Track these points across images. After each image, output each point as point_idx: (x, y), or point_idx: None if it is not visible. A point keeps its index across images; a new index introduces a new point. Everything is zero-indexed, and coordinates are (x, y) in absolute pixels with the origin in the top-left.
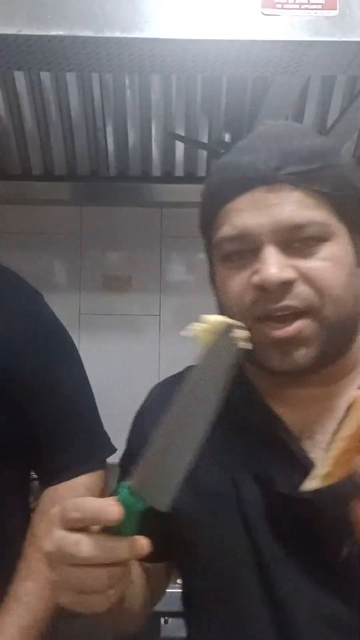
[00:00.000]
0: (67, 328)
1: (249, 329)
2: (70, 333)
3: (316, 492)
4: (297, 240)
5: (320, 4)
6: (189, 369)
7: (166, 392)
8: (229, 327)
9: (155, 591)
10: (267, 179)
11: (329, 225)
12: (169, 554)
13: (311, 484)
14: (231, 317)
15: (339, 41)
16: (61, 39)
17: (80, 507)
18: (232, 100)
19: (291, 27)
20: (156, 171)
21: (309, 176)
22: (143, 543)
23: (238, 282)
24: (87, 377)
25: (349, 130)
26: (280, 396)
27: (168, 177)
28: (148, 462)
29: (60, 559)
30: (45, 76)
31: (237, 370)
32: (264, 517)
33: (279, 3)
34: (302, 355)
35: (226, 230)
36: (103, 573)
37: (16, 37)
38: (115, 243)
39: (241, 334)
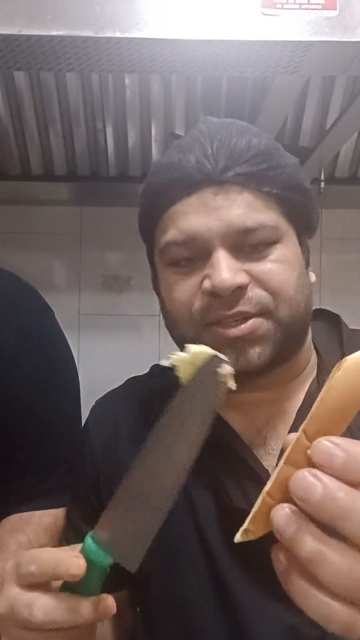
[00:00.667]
0: (67, 328)
1: (199, 335)
2: (70, 333)
3: None
4: (247, 244)
5: (320, 4)
6: (131, 380)
7: (109, 410)
8: (214, 361)
9: (124, 623)
10: (215, 180)
11: (278, 228)
12: (129, 579)
13: (237, 537)
14: (178, 324)
15: (339, 41)
16: (61, 39)
17: (36, 560)
18: (231, 101)
19: (291, 27)
20: None
21: (257, 177)
22: (109, 603)
23: (186, 288)
24: (79, 411)
25: (348, 130)
26: (228, 402)
27: None
28: (118, 512)
29: (12, 622)
30: (45, 76)
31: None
32: (220, 531)
33: (278, 3)
34: (257, 354)
35: (172, 234)
36: (61, 638)
37: (16, 37)
38: (115, 243)
39: (226, 369)
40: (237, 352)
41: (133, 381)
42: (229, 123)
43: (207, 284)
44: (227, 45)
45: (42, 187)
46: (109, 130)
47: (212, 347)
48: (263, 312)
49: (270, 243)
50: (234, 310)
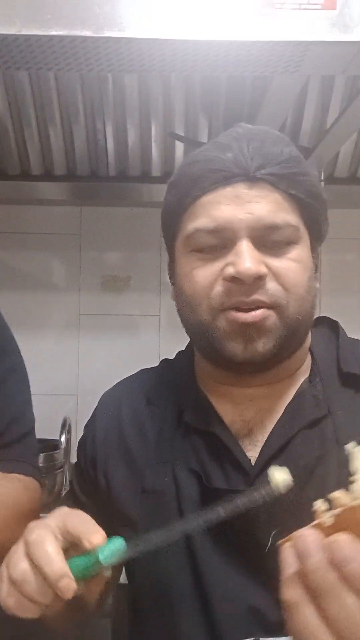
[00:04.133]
0: (66, 328)
1: (215, 319)
2: (70, 333)
3: (249, 485)
4: (270, 240)
5: (319, 4)
6: (141, 371)
7: (115, 397)
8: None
9: (112, 581)
10: (250, 176)
11: (299, 229)
12: None
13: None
14: (196, 308)
15: (338, 41)
16: (60, 38)
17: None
18: (231, 100)
19: (290, 27)
20: (155, 171)
21: (287, 179)
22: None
23: (207, 274)
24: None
25: (348, 130)
26: (225, 395)
27: (167, 177)
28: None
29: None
30: (44, 76)
31: (185, 370)
32: (198, 510)
33: (278, 3)
34: (262, 344)
35: (203, 221)
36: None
37: (15, 37)
38: (115, 243)
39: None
40: (245, 339)
41: (143, 371)
42: (265, 130)
43: (230, 270)
44: (226, 45)
45: (42, 187)
46: (109, 130)
47: (226, 333)
48: (275, 306)
49: (290, 242)
50: (251, 298)
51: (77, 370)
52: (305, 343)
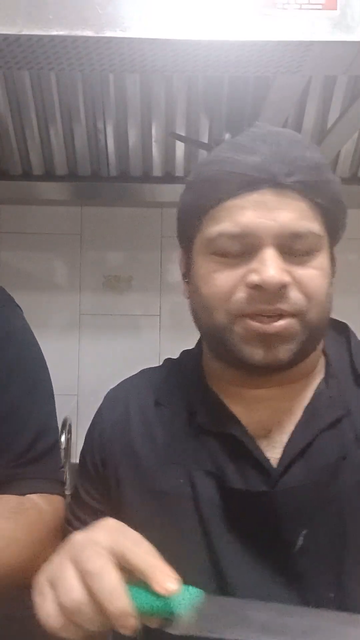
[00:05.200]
0: (67, 328)
1: (231, 324)
2: (71, 333)
3: (271, 486)
4: (294, 248)
5: (320, 4)
6: (144, 370)
7: (121, 395)
8: None
9: None
10: (278, 183)
11: (322, 238)
12: None
13: None
14: (212, 311)
15: (339, 41)
16: (62, 38)
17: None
18: (233, 100)
19: (292, 27)
20: (156, 171)
21: (314, 187)
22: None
23: (229, 279)
24: (51, 392)
25: (349, 130)
26: (237, 396)
27: (168, 177)
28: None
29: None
30: (46, 76)
31: (194, 370)
32: (219, 512)
33: (279, 3)
34: (285, 351)
35: (226, 226)
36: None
37: (17, 37)
38: (115, 243)
39: None
40: (266, 347)
41: (147, 371)
42: (286, 132)
43: (254, 277)
44: (228, 46)
45: (43, 187)
46: (110, 130)
47: (244, 338)
48: (297, 314)
49: (313, 251)
50: (274, 307)
51: (78, 370)
52: (319, 344)
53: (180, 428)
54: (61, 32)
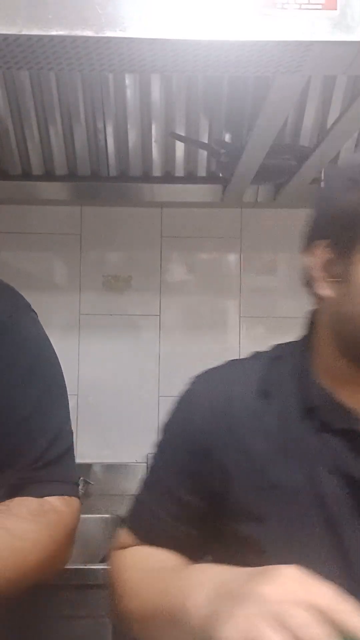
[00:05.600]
0: (67, 328)
1: None
2: (70, 333)
3: None
4: None
5: (320, 4)
6: (233, 362)
7: (216, 388)
8: None
9: None
10: None
11: None
12: (212, 550)
13: None
14: None
15: (339, 41)
16: (62, 38)
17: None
18: (233, 100)
19: (291, 27)
20: (156, 171)
21: None
22: None
23: None
24: (67, 411)
25: (349, 130)
26: (350, 390)
27: (168, 177)
28: None
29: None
30: (45, 76)
31: (303, 366)
32: (347, 509)
33: (279, 3)
34: None
35: None
36: None
37: (17, 37)
38: (115, 243)
39: None
40: None
41: (237, 362)
42: None
43: None
44: (228, 46)
45: (43, 187)
46: (110, 130)
47: None
48: None
49: None
50: None
51: (77, 370)
52: None
53: (292, 422)
54: (61, 32)
